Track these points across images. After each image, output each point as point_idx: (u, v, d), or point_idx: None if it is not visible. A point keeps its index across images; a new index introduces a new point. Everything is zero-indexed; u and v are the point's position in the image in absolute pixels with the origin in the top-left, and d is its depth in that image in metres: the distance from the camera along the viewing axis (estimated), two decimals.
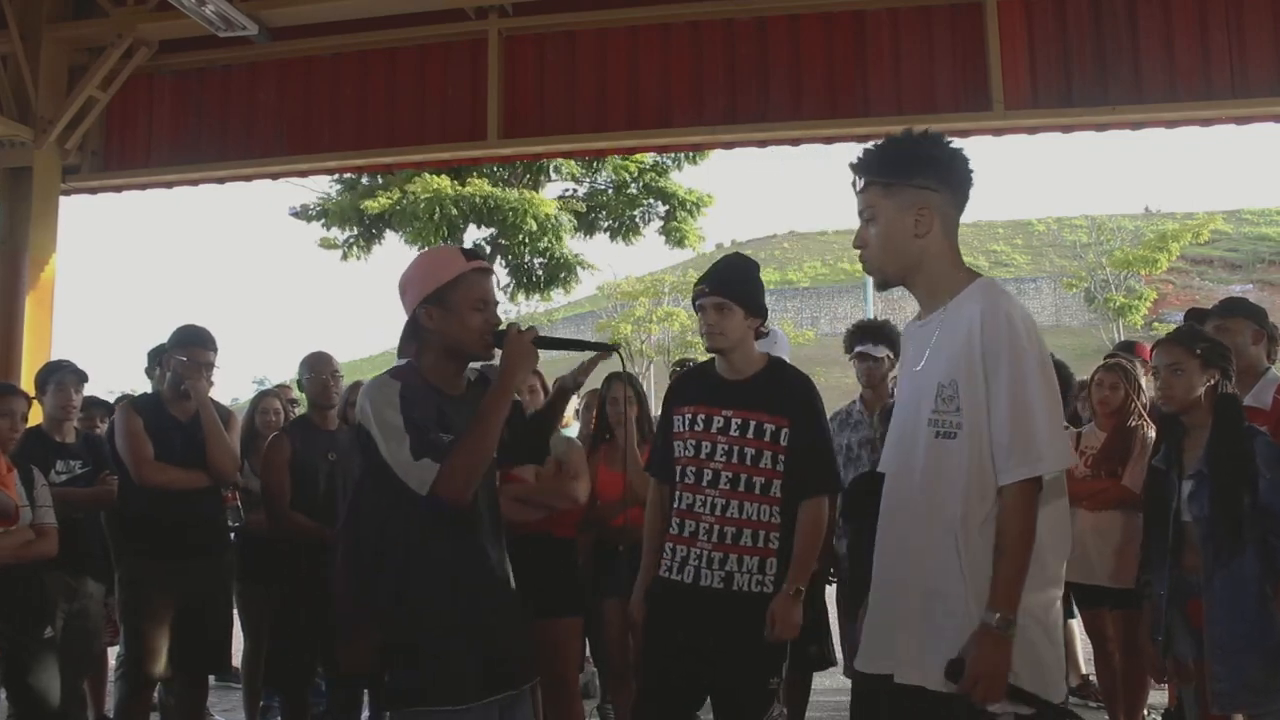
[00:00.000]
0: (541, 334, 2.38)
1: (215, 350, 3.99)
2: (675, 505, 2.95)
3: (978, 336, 1.94)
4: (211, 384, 4.00)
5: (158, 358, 4.64)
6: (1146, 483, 3.32)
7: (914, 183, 2.02)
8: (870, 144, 2.12)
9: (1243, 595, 2.80)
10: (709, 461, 2.89)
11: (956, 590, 1.94)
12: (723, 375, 2.99)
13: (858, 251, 2.14)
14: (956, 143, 2.09)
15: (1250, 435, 2.88)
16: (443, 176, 14.88)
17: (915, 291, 2.11)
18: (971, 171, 2.08)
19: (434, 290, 2.31)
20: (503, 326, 2.37)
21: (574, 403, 5.22)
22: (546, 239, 15.77)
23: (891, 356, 4.20)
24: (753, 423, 2.88)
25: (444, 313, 2.31)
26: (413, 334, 2.38)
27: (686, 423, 2.96)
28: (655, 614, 2.98)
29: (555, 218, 15.77)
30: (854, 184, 2.10)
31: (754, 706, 2.88)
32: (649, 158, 15.69)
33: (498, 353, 2.43)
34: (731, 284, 2.95)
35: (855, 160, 2.10)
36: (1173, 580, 3.00)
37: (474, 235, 16.18)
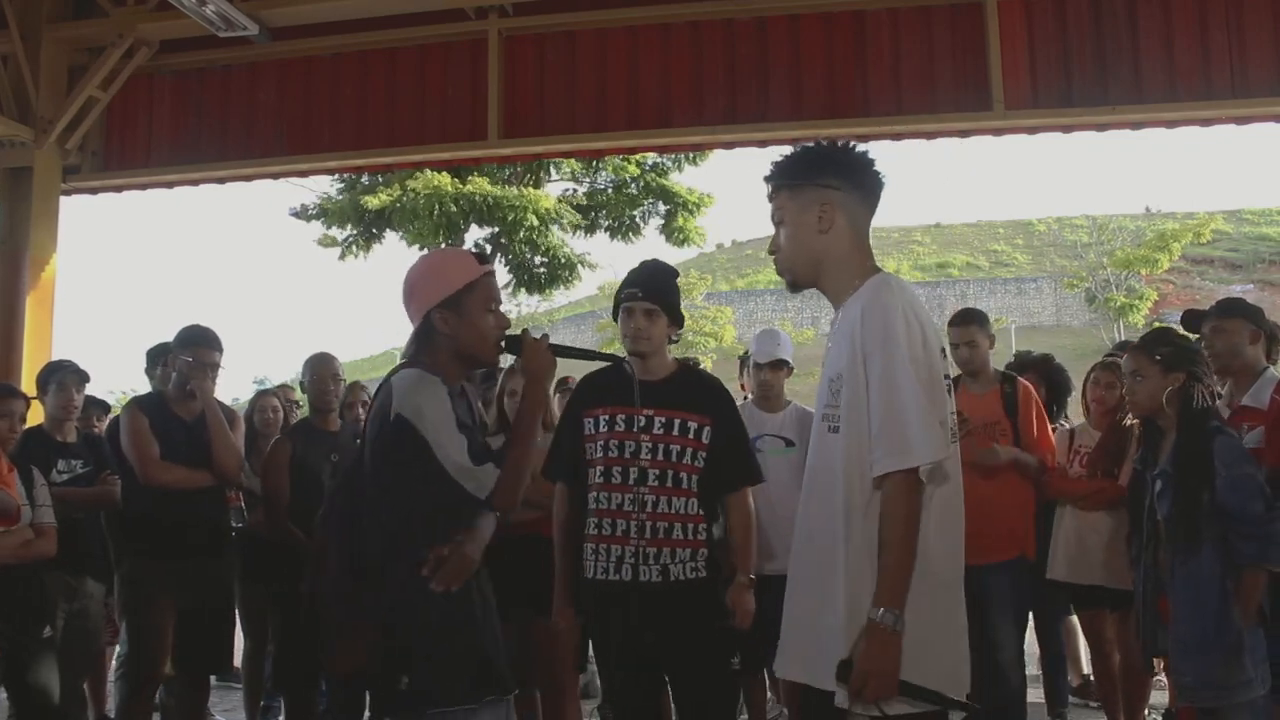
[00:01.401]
0: (554, 342, 2.41)
1: (221, 350, 4.00)
2: (597, 506, 2.98)
3: (858, 331, 1.99)
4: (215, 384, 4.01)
5: (157, 357, 4.64)
6: (1130, 482, 3.36)
7: (817, 181, 2.10)
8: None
9: (1204, 592, 2.86)
10: (634, 460, 2.94)
11: (836, 585, 1.97)
12: (637, 377, 3.01)
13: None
14: (863, 148, 2.16)
15: (1212, 435, 2.92)
16: (443, 174, 14.85)
17: (824, 292, 2.16)
18: (879, 174, 2.14)
19: (449, 295, 2.31)
20: (514, 332, 2.39)
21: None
22: (548, 237, 15.74)
23: None
24: (676, 421, 2.97)
25: (458, 318, 2.32)
26: (423, 337, 2.37)
27: (604, 424, 3.00)
28: (600, 617, 3.02)
29: (556, 212, 15.75)
30: (769, 197, 2.18)
31: (721, 690, 2.94)
32: (649, 158, 15.66)
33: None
34: (662, 292, 3.05)
35: (767, 171, 2.18)
36: (1149, 578, 3.05)
37: (475, 234, 16.16)
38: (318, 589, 2.35)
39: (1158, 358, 3.04)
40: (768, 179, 2.17)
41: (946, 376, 2.06)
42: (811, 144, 2.18)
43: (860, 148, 2.16)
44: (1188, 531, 2.87)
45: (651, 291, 3.02)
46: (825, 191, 2.09)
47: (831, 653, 1.92)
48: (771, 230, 2.21)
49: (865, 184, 2.13)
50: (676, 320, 3.08)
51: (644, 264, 3.16)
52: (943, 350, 2.06)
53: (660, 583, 2.89)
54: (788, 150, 2.19)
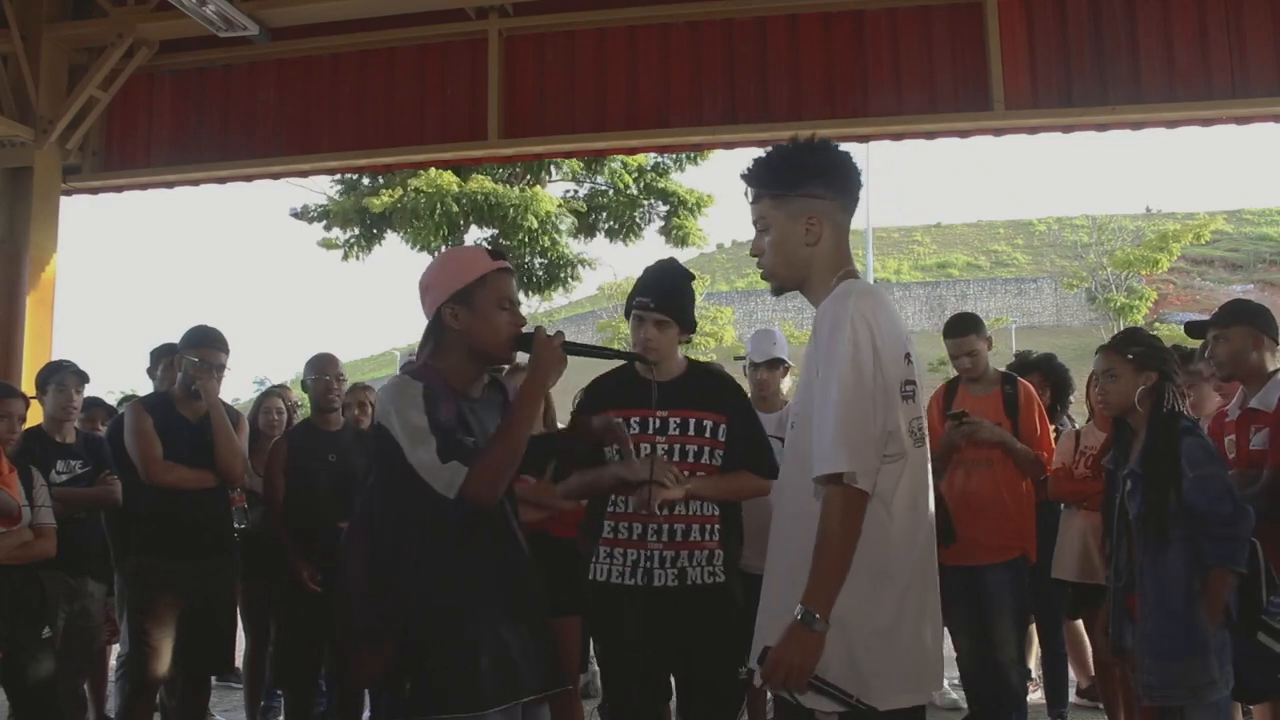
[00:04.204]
0: (568, 340, 2.35)
1: (227, 352, 4.00)
2: (614, 510, 2.95)
3: (813, 338, 2.03)
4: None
5: (159, 357, 4.64)
6: (1103, 482, 3.35)
7: (802, 192, 2.07)
8: (758, 156, 2.15)
9: (1171, 592, 2.85)
10: None
11: (777, 580, 2.06)
12: (648, 379, 2.99)
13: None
14: (844, 147, 2.12)
15: (1180, 435, 2.92)
16: (447, 172, 14.85)
17: (809, 297, 2.15)
18: (859, 174, 2.13)
19: (459, 290, 2.28)
20: (528, 329, 2.34)
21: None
22: (547, 238, 15.73)
23: None
24: (692, 420, 2.94)
25: (469, 313, 2.27)
26: (434, 334, 2.33)
27: None
28: (610, 620, 2.97)
29: (555, 216, 15.74)
30: (746, 194, 2.14)
31: (728, 698, 2.91)
32: (649, 159, 15.66)
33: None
34: (673, 303, 3.01)
35: (745, 172, 2.13)
36: (1121, 575, 3.05)
37: (475, 234, 16.16)
38: (340, 599, 2.32)
39: (1130, 357, 3.03)
40: (748, 181, 2.13)
41: (910, 382, 2.04)
42: (789, 146, 2.11)
43: (841, 147, 2.12)
44: (1157, 531, 2.87)
45: (663, 303, 2.98)
46: (812, 203, 2.07)
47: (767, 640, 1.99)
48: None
49: (849, 189, 2.11)
50: (688, 327, 3.04)
51: (658, 268, 3.11)
52: (907, 356, 2.04)
53: (676, 587, 2.86)
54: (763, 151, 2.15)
